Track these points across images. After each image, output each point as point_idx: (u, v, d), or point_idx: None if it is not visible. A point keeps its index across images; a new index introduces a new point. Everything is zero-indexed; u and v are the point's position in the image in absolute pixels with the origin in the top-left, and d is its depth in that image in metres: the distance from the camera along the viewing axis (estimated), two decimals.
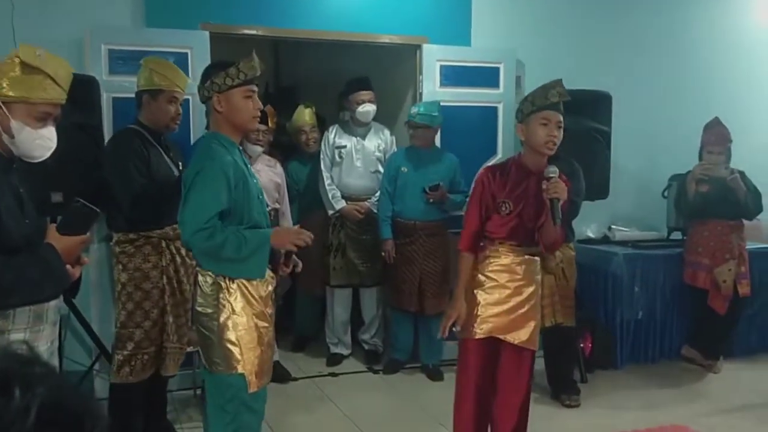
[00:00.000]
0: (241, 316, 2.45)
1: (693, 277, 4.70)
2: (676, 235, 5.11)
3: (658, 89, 5.39)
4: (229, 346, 2.44)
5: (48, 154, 2.05)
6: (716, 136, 4.62)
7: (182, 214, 2.45)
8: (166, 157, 3.28)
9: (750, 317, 4.94)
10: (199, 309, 2.49)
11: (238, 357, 2.45)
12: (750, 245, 4.79)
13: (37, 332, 1.99)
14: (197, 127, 3.98)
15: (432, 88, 4.67)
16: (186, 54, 3.98)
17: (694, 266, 4.69)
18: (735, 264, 4.56)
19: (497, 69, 4.78)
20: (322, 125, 5.05)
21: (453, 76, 4.72)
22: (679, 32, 5.46)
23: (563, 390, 4.14)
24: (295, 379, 4.44)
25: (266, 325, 2.55)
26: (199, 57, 3.93)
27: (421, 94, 4.69)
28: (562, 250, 3.92)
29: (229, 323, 2.44)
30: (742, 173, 4.59)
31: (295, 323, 5.14)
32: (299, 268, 2.69)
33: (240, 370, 2.46)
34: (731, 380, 4.57)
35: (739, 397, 4.26)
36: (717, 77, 5.55)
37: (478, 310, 2.93)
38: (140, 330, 3.21)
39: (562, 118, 2.84)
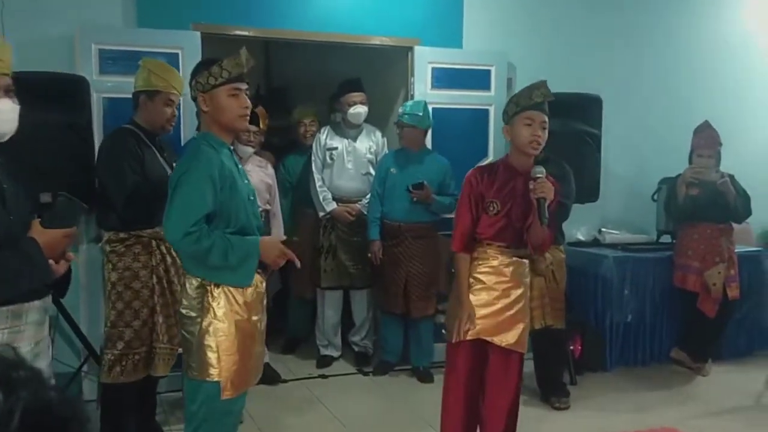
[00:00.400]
0: (223, 322, 2.40)
1: (683, 280, 4.71)
2: (666, 239, 5.13)
3: (649, 93, 5.41)
4: (207, 351, 2.40)
5: (13, 125, 2.01)
6: (706, 140, 4.64)
7: (167, 215, 2.40)
8: (160, 157, 3.30)
9: (739, 320, 4.96)
10: (183, 311, 2.46)
11: (215, 363, 2.40)
12: (739, 248, 4.81)
13: (16, 333, 1.96)
14: (188, 128, 3.97)
15: (423, 90, 4.67)
16: (177, 54, 3.96)
17: (684, 269, 4.70)
18: (725, 267, 4.59)
19: (488, 71, 4.79)
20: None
21: (444, 78, 4.72)
22: (671, 37, 5.49)
23: (553, 392, 4.15)
24: (285, 381, 4.42)
25: (251, 331, 2.49)
26: (191, 57, 3.90)
27: (412, 96, 4.68)
28: (552, 252, 3.93)
29: (210, 328, 2.39)
30: (731, 177, 4.61)
31: (287, 325, 5.13)
32: (298, 264, 2.63)
33: (215, 377, 2.40)
34: (720, 383, 4.59)
35: (728, 399, 4.28)
36: (707, 81, 5.58)
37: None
38: (130, 329, 3.21)
39: (546, 119, 2.86)
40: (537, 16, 5.12)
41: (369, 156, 4.69)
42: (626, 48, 5.34)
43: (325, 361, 4.77)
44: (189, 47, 4.01)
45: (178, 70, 3.62)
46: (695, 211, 4.62)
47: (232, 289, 2.42)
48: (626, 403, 4.22)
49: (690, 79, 5.53)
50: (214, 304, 2.40)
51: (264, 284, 2.58)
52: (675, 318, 4.89)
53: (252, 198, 2.59)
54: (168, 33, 4.05)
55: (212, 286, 2.41)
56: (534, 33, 5.09)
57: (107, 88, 3.88)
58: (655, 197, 5.13)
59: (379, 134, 4.80)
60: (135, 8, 4.13)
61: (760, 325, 5.17)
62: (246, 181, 2.59)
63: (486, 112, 4.81)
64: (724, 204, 4.55)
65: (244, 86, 2.49)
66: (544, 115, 2.86)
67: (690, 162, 4.70)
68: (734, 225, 4.71)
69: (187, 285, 2.46)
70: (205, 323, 2.40)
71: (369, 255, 4.51)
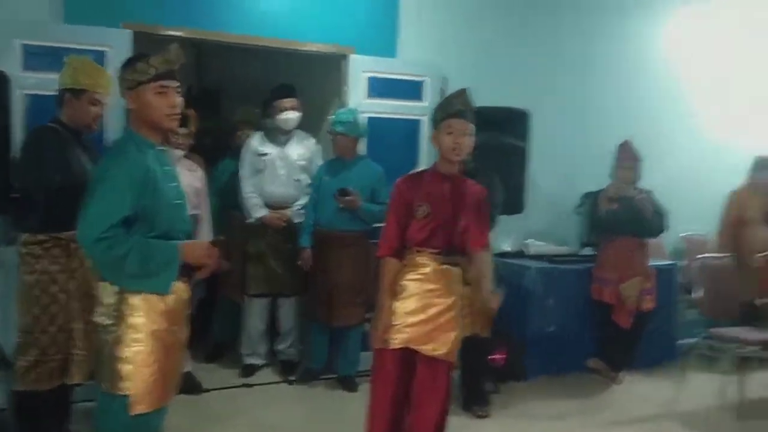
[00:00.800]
0: (140, 332, 2.28)
1: (599, 293, 4.87)
2: (588, 251, 5.29)
3: (575, 110, 5.59)
4: (119, 364, 2.27)
5: None
6: (628, 153, 4.84)
7: (82, 218, 2.26)
8: (84, 157, 3.20)
9: (651, 331, 5.12)
10: (97, 319, 2.34)
11: (127, 376, 2.27)
12: (652, 262, 5.00)
13: None
14: (112, 126, 3.85)
15: (358, 99, 4.69)
16: (104, 52, 3.85)
17: (601, 282, 4.86)
18: (639, 280, 4.77)
19: (422, 82, 4.86)
20: None
21: (378, 87, 4.76)
22: (598, 59, 5.69)
23: (474, 401, 4.21)
24: (207, 391, 4.32)
25: (170, 342, 2.38)
26: (119, 56, 3.78)
27: (346, 104, 4.70)
28: None
29: (125, 338, 2.27)
30: (650, 193, 4.82)
31: (213, 329, 5.03)
32: (225, 266, 2.56)
33: (126, 391, 2.28)
34: (633, 392, 4.76)
35: (641, 407, 4.46)
36: (632, 99, 5.81)
37: (394, 319, 2.94)
38: (46, 335, 3.09)
39: (469, 127, 2.93)
40: (471, 30, 5.22)
41: (301, 162, 4.64)
42: (555, 66, 5.50)
43: (249, 370, 4.69)
44: (117, 46, 3.89)
45: (105, 69, 3.52)
46: (615, 225, 4.79)
47: (151, 296, 2.31)
48: (546, 410, 4.33)
49: (615, 97, 5.75)
50: (131, 313, 2.28)
51: (188, 292, 2.48)
52: (594, 328, 5.04)
53: (180, 201, 2.50)
54: (96, 30, 3.93)
55: (130, 293, 2.29)
56: (467, 46, 5.19)
57: (30, 84, 3.75)
58: (578, 210, 5.30)
59: (312, 141, 4.76)
60: (62, 3, 3.99)
61: (670, 336, 5.38)
62: (174, 184, 2.50)
63: (418, 122, 4.86)
64: (641, 219, 4.74)
65: (173, 84, 2.39)
66: (466, 122, 2.93)
67: (612, 176, 4.88)
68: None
69: (102, 290, 2.33)
70: (119, 332, 2.28)
71: (299, 262, 4.48)
